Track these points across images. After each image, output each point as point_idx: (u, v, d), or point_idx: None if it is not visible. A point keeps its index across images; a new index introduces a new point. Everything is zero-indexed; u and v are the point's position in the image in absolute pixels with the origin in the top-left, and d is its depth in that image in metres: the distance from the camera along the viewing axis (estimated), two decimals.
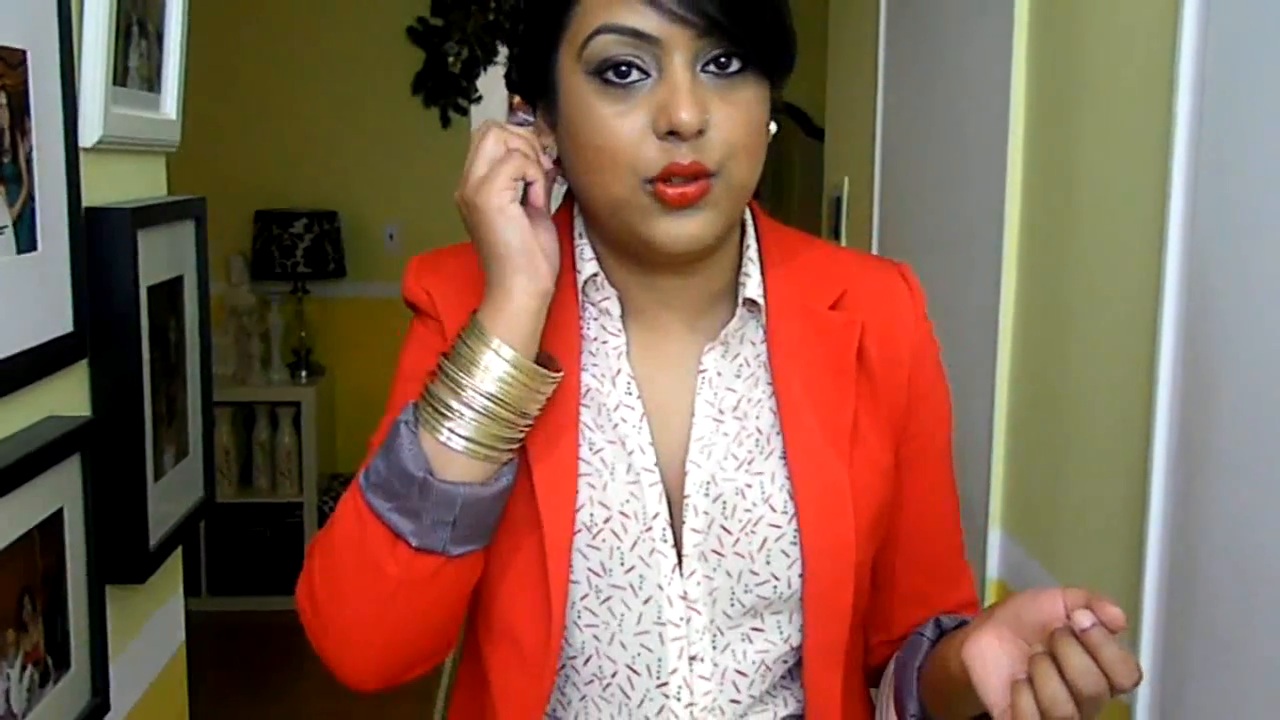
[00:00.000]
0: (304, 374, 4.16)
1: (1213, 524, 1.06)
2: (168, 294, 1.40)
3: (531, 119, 0.92)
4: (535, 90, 0.90)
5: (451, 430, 0.83)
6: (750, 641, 0.92)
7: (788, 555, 0.90)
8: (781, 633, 0.93)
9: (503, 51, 4.38)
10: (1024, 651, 0.80)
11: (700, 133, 0.82)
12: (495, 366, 0.83)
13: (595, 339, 0.94)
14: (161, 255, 1.37)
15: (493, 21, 4.31)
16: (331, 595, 0.87)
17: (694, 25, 0.81)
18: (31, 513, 1.09)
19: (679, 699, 0.91)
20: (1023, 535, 1.56)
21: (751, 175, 0.86)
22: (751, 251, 0.95)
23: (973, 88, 1.74)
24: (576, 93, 0.84)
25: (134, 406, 1.28)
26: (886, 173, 2.23)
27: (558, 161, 0.90)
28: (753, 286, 0.94)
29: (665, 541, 0.90)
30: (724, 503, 0.91)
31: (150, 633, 1.44)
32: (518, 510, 0.89)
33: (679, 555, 0.90)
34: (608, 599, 0.91)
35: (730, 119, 0.83)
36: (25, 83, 1.08)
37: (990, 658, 0.81)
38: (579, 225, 0.95)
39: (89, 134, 1.22)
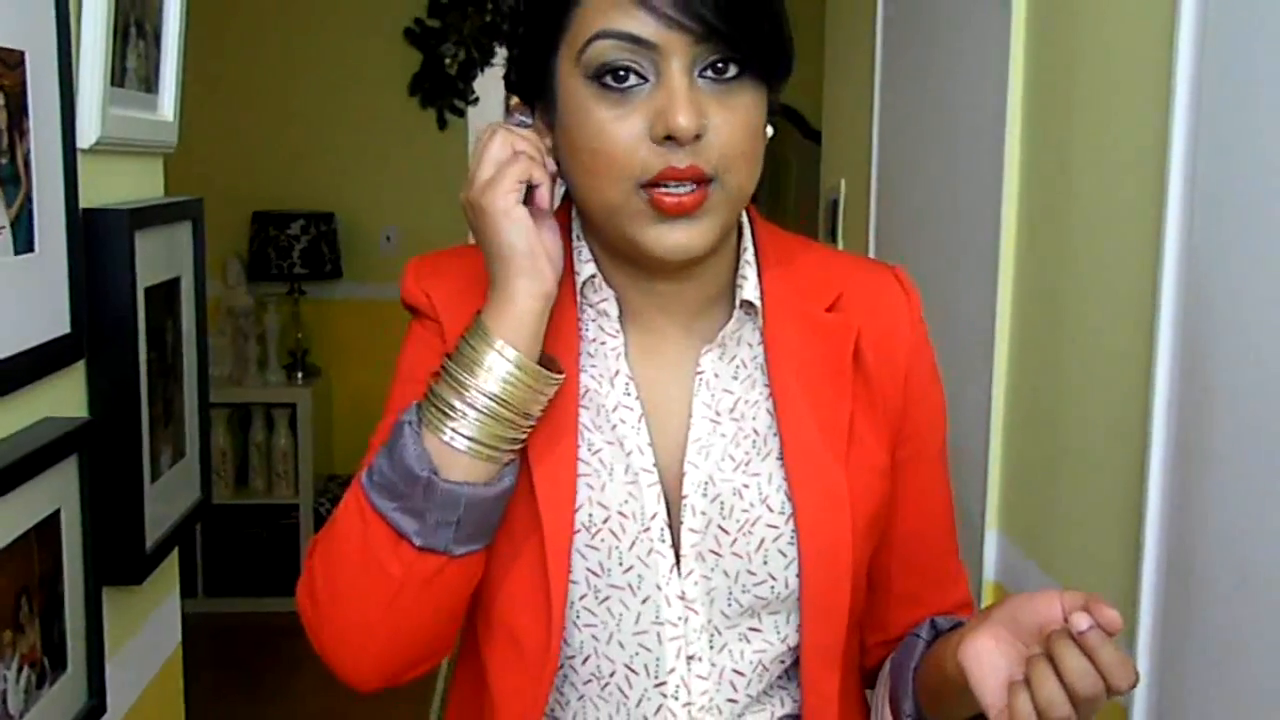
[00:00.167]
0: (300, 375, 4.15)
1: (1209, 526, 1.06)
2: (165, 295, 1.40)
3: (530, 120, 0.93)
4: (533, 92, 0.91)
5: (455, 430, 0.83)
6: (747, 641, 0.93)
7: (785, 555, 0.91)
8: (779, 633, 0.93)
9: (500, 53, 4.38)
10: (1020, 653, 0.81)
11: (697, 138, 0.82)
12: (498, 367, 0.84)
13: (594, 340, 0.94)
14: (159, 256, 1.37)
15: (490, 23, 4.31)
16: (333, 595, 0.88)
17: (692, 31, 0.81)
18: (28, 514, 1.09)
19: (676, 698, 0.91)
20: (1019, 537, 1.57)
21: (749, 181, 0.87)
22: (749, 254, 0.96)
23: (969, 89, 1.75)
24: (574, 96, 0.85)
25: (131, 408, 1.28)
26: (883, 175, 2.23)
27: (556, 160, 0.91)
28: (750, 289, 0.94)
29: (663, 542, 0.90)
30: (721, 503, 0.91)
31: (147, 634, 1.44)
32: (518, 510, 0.89)
33: (677, 555, 0.91)
34: (606, 599, 0.91)
35: (728, 124, 0.83)
36: (23, 83, 1.08)
37: (987, 659, 0.81)
38: (576, 227, 0.95)
39: (87, 135, 1.22)
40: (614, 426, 0.92)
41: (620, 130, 0.83)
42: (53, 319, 1.15)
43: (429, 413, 0.85)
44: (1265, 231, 0.98)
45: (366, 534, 0.85)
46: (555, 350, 0.90)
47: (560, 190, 0.93)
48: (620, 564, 0.90)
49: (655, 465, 0.91)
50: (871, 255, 2.27)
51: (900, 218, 2.14)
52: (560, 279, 0.88)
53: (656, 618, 0.90)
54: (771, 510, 0.91)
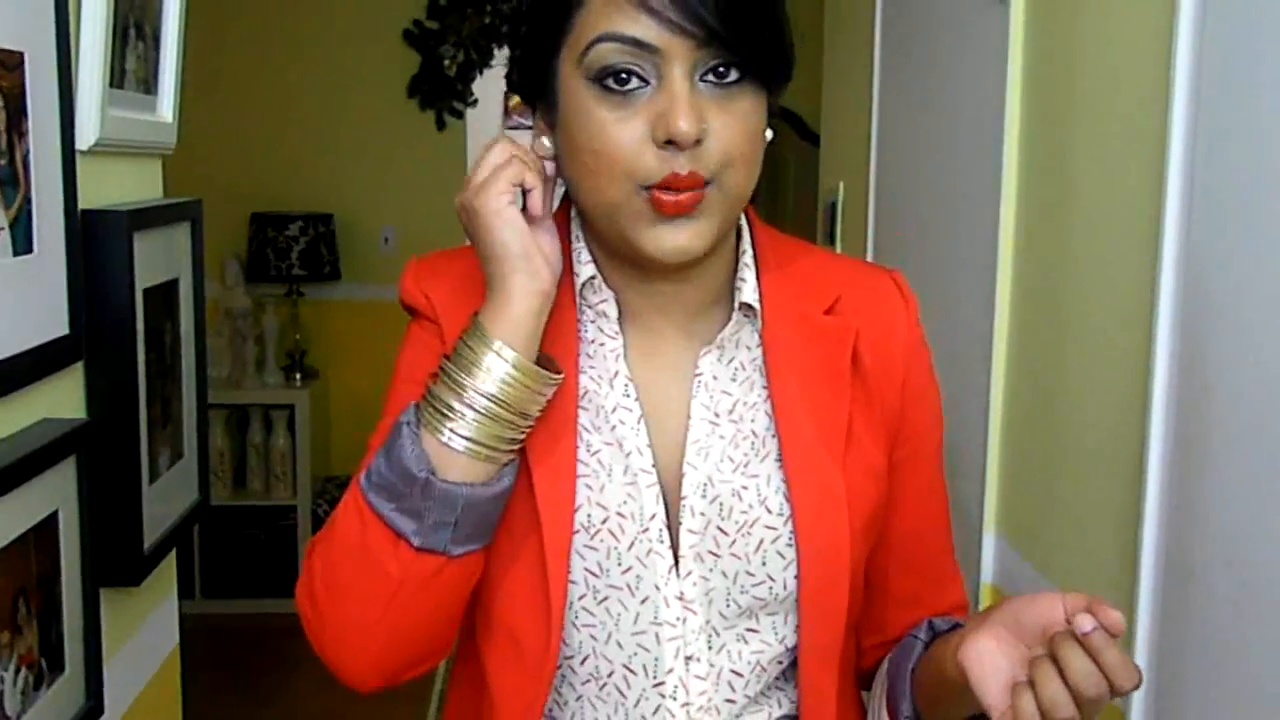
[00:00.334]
0: (298, 377, 4.15)
1: (1207, 528, 1.06)
2: (163, 296, 1.40)
3: (528, 122, 0.93)
4: (535, 92, 0.91)
5: (453, 431, 0.84)
6: (746, 642, 0.93)
7: (783, 556, 0.91)
8: (777, 633, 0.93)
9: (499, 55, 4.37)
10: (1022, 654, 0.81)
11: (698, 142, 0.82)
12: (496, 368, 0.84)
13: (593, 341, 0.94)
14: (157, 258, 1.37)
15: (488, 25, 4.32)
16: (332, 595, 0.88)
17: (694, 36, 0.81)
18: (26, 515, 1.09)
19: (675, 699, 0.91)
20: (1017, 540, 1.57)
21: (747, 185, 0.87)
22: (747, 257, 0.96)
23: (968, 92, 1.75)
24: (576, 98, 0.85)
25: (129, 409, 1.28)
26: (882, 177, 2.23)
27: (556, 160, 0.91)
28: (749, 291, 0.94)
29: (662, 542, 0.91)
30: (720, 504, 0.91)
31: (144, 635, 1.44)
32: (517, 511, 0.89)
33: (675, 556, 0.91)
34: (605, 599, 0.91)
35: (728, 127, 0.84)
36: (22, 85, 1.08)
37: (988, 659, 0.81)
38: (575, 227, 0.95)
39: (86, 136, 1.22)
40: (613, 427, 0.92)
41: (621, 133, 0.83)
42: (51, 320, 1.15)
43: (427, 413, 0.85)
44: (1264, 232, 0.98)
45: (365, 534, 0.85)
46: (554, 351, 0.90)
47: (560, 192, 0.94)
48: (619, 564, 0.90)
49: (654, 466, 0.91)
50: (870, 258, 2.27)
51: (899, 220, 2.14)
52: (559, 281, 0.88)
53: (655, 618, 0.91)
54: (770, 511, 0.91)
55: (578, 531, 0.90)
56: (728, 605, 0.92)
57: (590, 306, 0.94)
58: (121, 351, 1.27)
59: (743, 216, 0.97)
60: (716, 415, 0.93)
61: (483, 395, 0.84)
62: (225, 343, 4.07)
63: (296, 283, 4.17)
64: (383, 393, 0.98)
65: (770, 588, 0.91)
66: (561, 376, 0.87)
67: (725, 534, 0.91)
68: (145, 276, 1.32)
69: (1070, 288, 1.40)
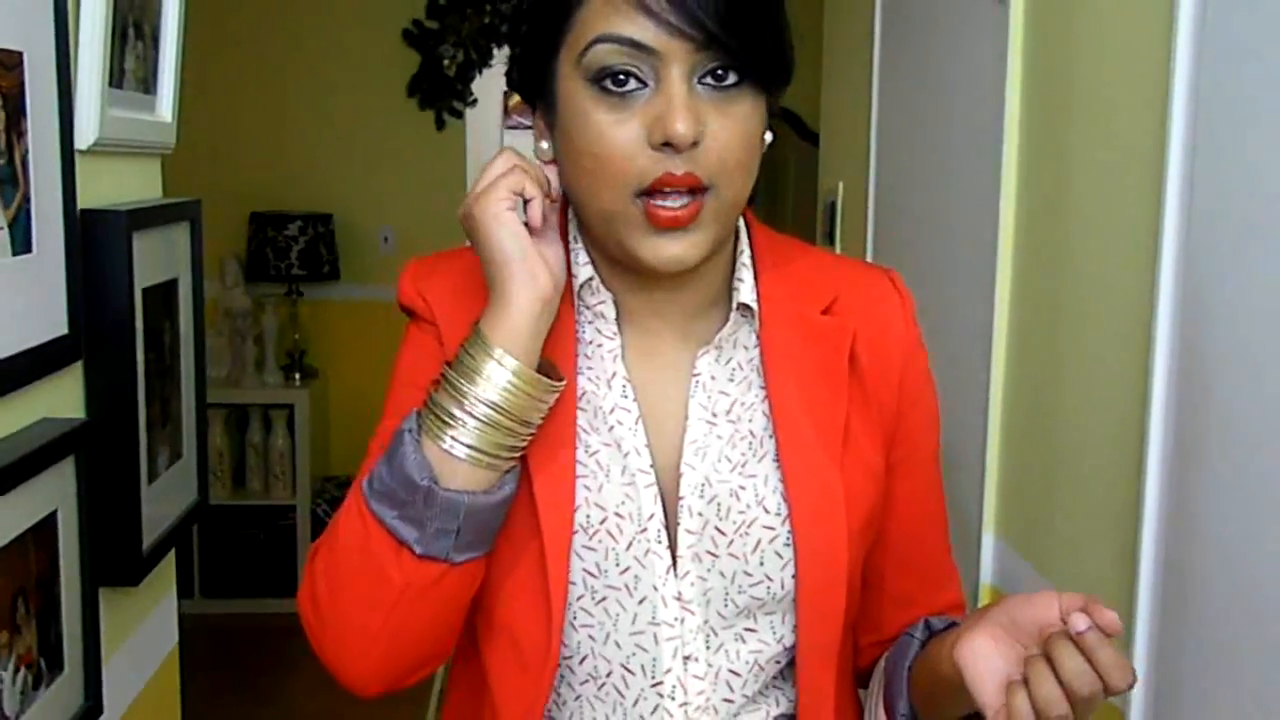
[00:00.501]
0: (298, 376, 4.15)
1: (1206, 528, 1.06)
2: (162, 296, 1.40)
3: (528, 122, 0.93)
4: (534, 92, 0.91)
5: (454, 438, 0.83)
6: (744, 641, 0.93)
7: (781, 556, 0.91)
8: (774, 633, 0.93)
9: (498, 54, 4.36)
10: (1017, 653, 0.81)
11: (695, 144, 0.82)
12: (498, 376, 0.84)
13: (590, 342, 0.94)
14: (156, 257, 1.37)
15: (488, 25, 4.32)
16: (335, 600, 0.88)
17: (692, 38, 0.81)
18: (25, 515, 1.09)
19: (673, 698, 0.91)
20: (1016, 540, 1.57)
21: (744, 190, 0.87)
22: (745, 257, 0.96)
23: (968, 92, 1.75)
24: (574, 99, 0.85)
25: (128, 409, 1.28)
26: (881, 177, 2.23)
27: (555, 162, 0.91)
28: (746, 292, 0.94)
29: (660, 543, 0.91)
30: (718, 504, 0.91)
31: (143, 635, 1.44)
32: (517, 514, 0.89)
33: (673, 556, 0.91)
34: (603, 599, 0.91)
35: (726, 130, 0.83)
36: (21, 85, 1.08)
37: (984, 658, 0.81)
38: (573, 229, 0.95)
39: (85, 136, 1.22)
40: (611, 428, 0.92)
41: (618, 135, 0.83)
42: (50, 320, 1.15)
43: (429, 421, 0.85)
44: (1263, 237, 0.98)
45: (367, 541, 0.85)
46: (552, 353, 0.90)
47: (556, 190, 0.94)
48: (617, 565, 0.91)
49: (652, 467, 0.92)
50: (869, 258, 2.27)
51: (898, 220, 2.14)
52: (562, 289, 0.88)
53: (653, 618, 0.91)
54: (768, 511, 0.91)
55: (576, 532, 0.90)
56: (725, 605, 0.92)
57: (588, 307, 0.94)
58: (120, 351, 1.27)
59: (740, 216, 0.97)
60: (714, 415, 0.93)
61: (484, 403, 0.83)
62: (225, 342, 4.07)
63: (296, 282, 4.17)
64: (382, 392, 0.98)
65: (768, 587, 0.91)
66: (563, 384, 0.87)
67: (723, 534, 0.91)
68: (144, 276, 1.32)
69: (1069, 287, 1.40)
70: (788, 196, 4.12)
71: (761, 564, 0.91)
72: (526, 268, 0.85)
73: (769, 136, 0.91)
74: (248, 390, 4.10)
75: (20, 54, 1.07)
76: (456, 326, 0.91)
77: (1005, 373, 1.61)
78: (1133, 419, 1.19)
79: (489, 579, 0.91)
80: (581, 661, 0.93)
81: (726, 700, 0.93)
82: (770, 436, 0.93)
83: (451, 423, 0.84)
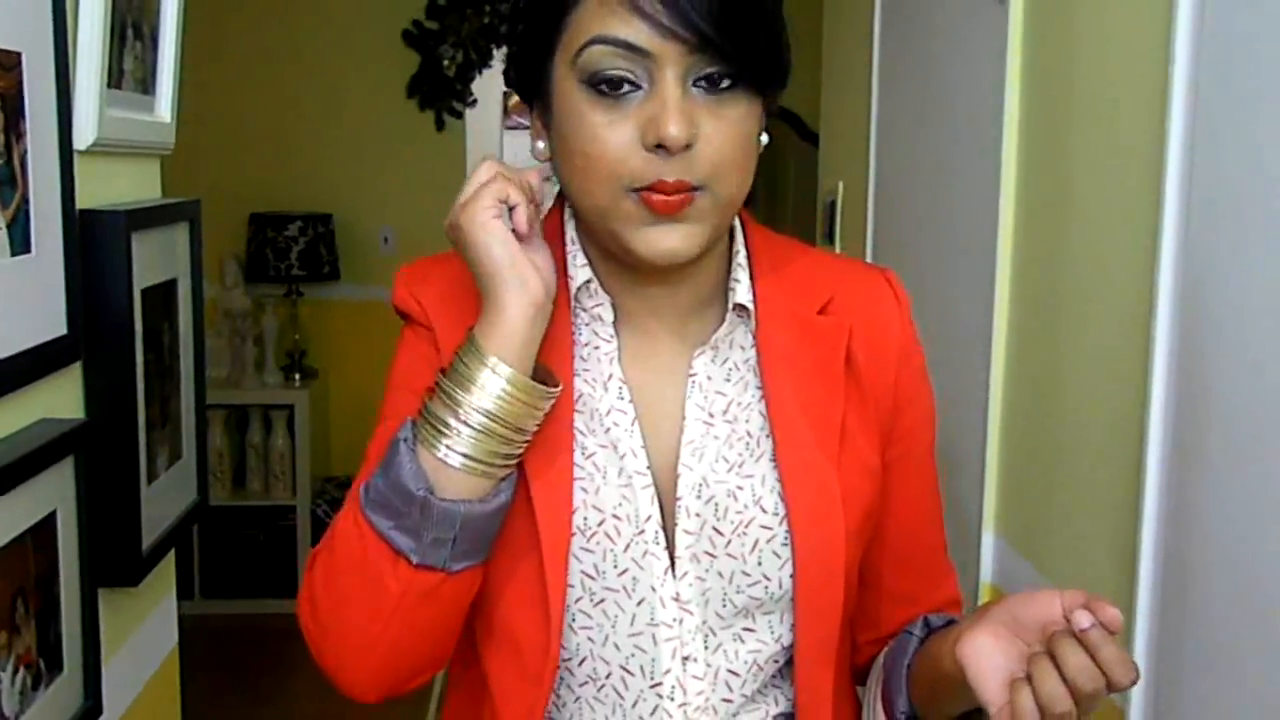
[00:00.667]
0: (298, 377, 4.15)
1: (1206, 527, 1.06)
2: (162, 297, 1.40)
3: (527, 122, 0.93)
4: (531, 91, 0.91)
5: (449, 447, 0.83)
6: (742, 641, 0.93)
7: (779, 556, 0.91)
8: (773, 632, 0.94)
9: (498, 55, 4.35)
10: (1020, 650, 0.81)
11: (688, 147, 0.82)
12: (492, 384, 0.83)
13: (587, 344, 0.94)
14: (156, 258, 1.37)
15: (487, 25, 4.32)
16: (333, 608, 0.88)
17: (686, 41, 0.81)
18: (25, 515, 1.09)
19: (672, 699, 0.91)
20: (1016, 539, 1.57)
21: (739, 190, 0.87)
22: (741, 258, 0.96)
23: (967, 92, 1.75)
24: (569, 99, 0.85)
25: (128, 409, 1.28)
26: (881, 177, 2.23)
27: (551, 161, 0.91)
28: (742, 292, 0.94)
29: (658, 544, 0.91)
30: (716, 505, 0.91)
31: (143, 636, 1.44)
32: (515, 518, 0.89)
33: (671, 557, 0.91)
34: (601, 601, 0.91)
35: (719, 133, 0.83)
36: (20, 85, 1.08)
37: (986, 655, 0.82)
38: (570, 229, 0.95)
39: (83, 136, 1.22)
40: (607, 430, 0.92)
41: (612, 136, 0.83)
42: (49, 320, 1.15)
43: (424, 430, 0.84)
44: (1262, 235, 0.98)
45: (364, 550, 0.85)
46: (548, 356, 0.90)
47: (552, 190, 0.94)
48: (615, 566, 0.91)
49: (649, 468, 0.91)
50: (869, 258, 2.27)
51: (898, 220, 2.14)
52: (554, 294, 0.87)
53: (651, 619, 0.91)
54: (765, 511, 0.91)
55: (574, 534, 0.90)
56: (724, 605, 0.92)
57: (585, 310, 0.94)
58: (120, 352, 1.27)
59: (735, 218, 0.97)
60: (711, 416, 0.93)
61: (479, 411, 0.83)
62: (224, 343, 4.07)
63: (295, 283, 4.17)
64: (382, 393, 0.98)
65: (766, 587, 0.91)
66: (559, 389, 0.87)
67: (721, 534, 0.91)
68: (144, 277, 1.32)
69: (1069, 287, 1.40)
70: (787, 196, 4.12)
71: (759, 564, 0.91)
72: (517, 274, 0.84)
73: (765, 138, 0.91)
74: (247, 391, 4.10)
75: (19, 54, 1.07)
76: (452, 330, 0.91)
77: (1005, 372, 1.61)
78: (1132, 418, 1.19)
79: (487, 582, 0.91)
80: (580, 663, 0.93)
81: (725, 700, 0.93)
82: (767, 436, 0.93)
83: (446, 431, 0.83)
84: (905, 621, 0.99)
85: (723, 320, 0.94)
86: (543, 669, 0.90)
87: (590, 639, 0.92)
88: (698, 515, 0.91)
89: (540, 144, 0.91)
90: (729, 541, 0.91)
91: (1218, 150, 1.05)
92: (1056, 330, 1.44)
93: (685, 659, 0.91)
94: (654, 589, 0.90)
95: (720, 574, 0.91)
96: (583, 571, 0.91)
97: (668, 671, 0.91)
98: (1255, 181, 0.99)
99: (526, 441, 0.87)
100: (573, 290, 0.93)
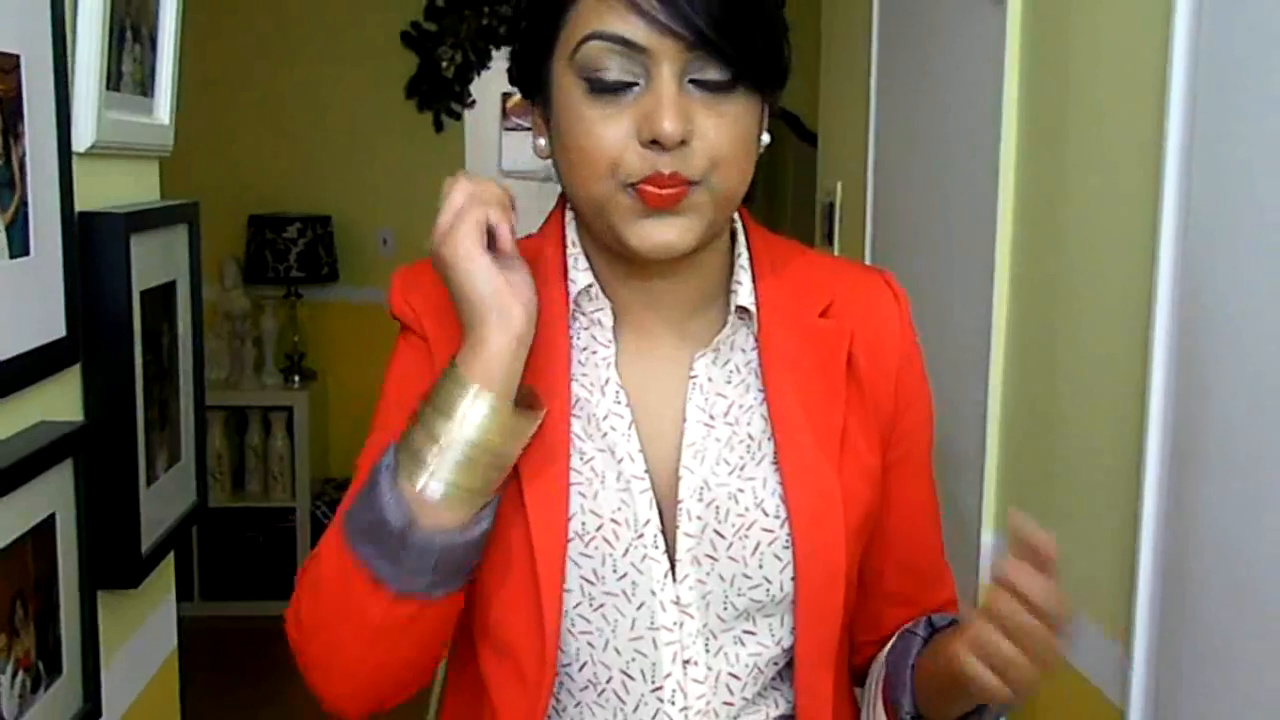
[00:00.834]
0: (297, 378, 4.15)
1: (1205, 528, 1.06)
2: (161, 298, 1.40)
3: (526, 124, 0.93)
4: (531, 88, 0.91)
5: (430, 478, 0.83)
6: (743, 644, 0.93)
7: (780, 559, 0.91)
8: (773, 635, 0.93)
9: (496, 56, 4.35)
10: None
11: (684, 143, 0.82)
12: (472, 414, 0.83)
13: (585, 349, 0.94)
14: (154, 260, 1.37)
15: (486, 26, 4.31)
16: (316, 629, 0.89)
17: (682, 38, 0.82)
18: (24, 518, 1.09)
19: (673, 703, 0.91)
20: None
21: (736, 186, 0.87)
22: (743, 259, 0.96)
23: (965, 93, 1.75)
24: (567, 95, 0.85)
25: (126, 411, 1.28)
26: (879, 178, 2.23)
27: (551, 157, 0.91)
28: (745, 294, 0.94)
29: (657, 548, 0.90)
30: (717, 507, 0.91)
31: (142, 638, 1.43)
32: (510, 526, 0.90)
33: (671, 561, 0.91)
34: (601, 606, 0.91)
35: (716, 130, 0.84)
36: (18, 87, 1.07)
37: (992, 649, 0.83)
38: (572, 232, 0.95)
39: (82, 138, 1.22)
40: (604, 435, 0.92)
41: (608, 131, 0.83)
42: (48, 322, 1.15)
43: (404, 457, 0.84)
44: (1260, 237, 0.98)
45: (346, 576, 0.86)
46: (546, 361, 0.90)
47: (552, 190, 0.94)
48: (614, 571, 0.90)
49: (647, 472, 0.91)
50: (868, 258, 2.27)
51: (896, 221, 2.14)
52: (535, 317, 0.87)
53: (651, 623, 0.90)
54: (766, 514, 0.91)
55: (572, 539, 0.90)
56: (725, 608, 0.91)
57: (585, 314, 0.94)
58: (119, 354, 1.27)
59: (737, 219, 0.97)
60: (711, 417, 0.93)
61: (459, 442, 0.83)
62: (223, 345, 4.07)
63: (295, 284, 4.16)
64: (380, 396, 0.98)
65: (767, 590, 0.91)
66: (542, 414, 0.87)
67: (722, 537, 0.91)
68: (142, 278, 1.32)
69: (1067, 289, 1.40)
70: (786, 197, 4.12)
71: (760, 566, 0.91)
72: (499, 306, 0.84)
73: (766, 138, 0.91)
74: (247, 392, 4.09)
75: (17, 57, 1.07)
76: (448, 341, 0.90)
77: (1004, 373, 1.61)
78: (1132, 419, 1.19)
79: (484, 589, 0.92)
80: (581, 668, 0.92)
81: (726, 703, 0.93)
82: (769, 439, 0.93)
83: (426, 462, 0.83)
84: (903, 622, 1.00)
85: (724, 322, 0.94)
86: (540, 676, 0.90)
87: (590, 644, 0.92)
88: (699, 518, 0.91)
89: (541, 141, 0.91)
90: (730, 544, 0.91)
91: (1215, 151, 1.05)
92: (1055, 330, 1.44)
93: (686, 662, 0.91)
94: (654, 593, 0.90)
95: (721, 577, 0.91)
96: (582, 576, 0.90)
97: (668, 675, 0.91)
98: (1253, 184, 0.99)
99: (508, 468, 0.86)
100: (573, 294, 0.93)
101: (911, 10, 2.05)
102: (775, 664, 0.95)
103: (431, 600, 0.85)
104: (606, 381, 0.93)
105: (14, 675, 1.07)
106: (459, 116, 4.39)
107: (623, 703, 0.92)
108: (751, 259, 0.97)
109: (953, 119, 1.81)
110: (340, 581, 0.86)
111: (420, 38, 4.31)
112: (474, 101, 4.43)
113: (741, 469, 0.92)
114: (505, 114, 6.13)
